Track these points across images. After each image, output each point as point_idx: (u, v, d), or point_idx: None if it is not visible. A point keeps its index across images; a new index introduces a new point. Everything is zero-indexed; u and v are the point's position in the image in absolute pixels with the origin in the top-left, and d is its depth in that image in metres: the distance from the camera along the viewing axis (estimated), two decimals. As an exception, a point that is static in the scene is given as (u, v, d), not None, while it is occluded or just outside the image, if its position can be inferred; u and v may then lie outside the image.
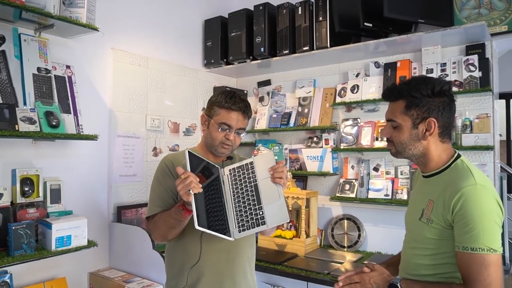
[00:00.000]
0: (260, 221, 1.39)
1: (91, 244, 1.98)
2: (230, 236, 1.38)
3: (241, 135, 1.60)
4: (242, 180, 1.48)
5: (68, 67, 2.13)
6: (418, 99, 1.26)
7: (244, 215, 1.42)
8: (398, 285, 1.26)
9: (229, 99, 1.55)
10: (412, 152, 1.31)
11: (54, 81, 2.02)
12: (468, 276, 1.15)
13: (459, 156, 1.30)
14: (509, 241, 3.16)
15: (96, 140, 2.05)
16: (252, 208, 1.42)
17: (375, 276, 1.31)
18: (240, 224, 1.41)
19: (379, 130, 2.57)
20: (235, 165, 1.53)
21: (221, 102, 1.55)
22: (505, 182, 2.63)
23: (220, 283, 1.54)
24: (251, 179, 1.47)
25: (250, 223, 1.40)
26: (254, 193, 1.44)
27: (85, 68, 2.28)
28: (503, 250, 2.61)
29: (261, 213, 1.40)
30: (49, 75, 2.00)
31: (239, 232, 1.40)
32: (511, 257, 2.38)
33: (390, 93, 1.34)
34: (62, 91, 2.06)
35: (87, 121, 2.15)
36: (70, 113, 2.06)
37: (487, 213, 1.15)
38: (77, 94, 2.12)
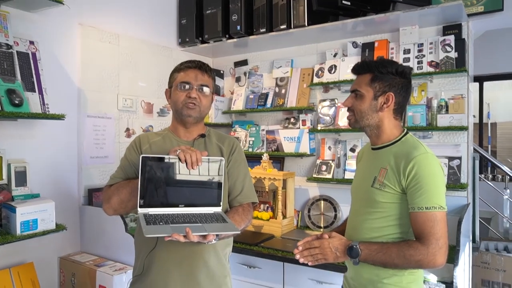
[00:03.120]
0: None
1: (59, 228, 1.92)
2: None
3: (206, 93, 1.53)
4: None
5: (32, 42, 2.00)
6: (384, 74, 1.43)
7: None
8: (357, 246, 1.35)
9: (184, 62, 1.57)
10: (369, 122, 1.46)
11: (17, 57, 1.90)
12: (422, 232, 1.31)
13: (407, 132, 1.48)
14: (480, 220, 3.26)
15: (63, 119, 1.95)
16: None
17: (334, 241, 1.40)
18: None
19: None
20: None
21: (177, 67, 1.58)
22: (477, 162, 2.69)
23: (171, 272, 1.45)
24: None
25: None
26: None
27: (51, 44, 2.16)
28: (474, 228, 2.69)
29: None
30: (10, 50, 1.88)
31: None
32: (481, 235, 2.44)
33: (360, 67, 1.50)
34: (25, 68, 1.94)
35: (54, 100, 2.04)
36: (34, 91, 1.94)
37: (437, 177, 1.33)
38: (42, 71, 2.00)
